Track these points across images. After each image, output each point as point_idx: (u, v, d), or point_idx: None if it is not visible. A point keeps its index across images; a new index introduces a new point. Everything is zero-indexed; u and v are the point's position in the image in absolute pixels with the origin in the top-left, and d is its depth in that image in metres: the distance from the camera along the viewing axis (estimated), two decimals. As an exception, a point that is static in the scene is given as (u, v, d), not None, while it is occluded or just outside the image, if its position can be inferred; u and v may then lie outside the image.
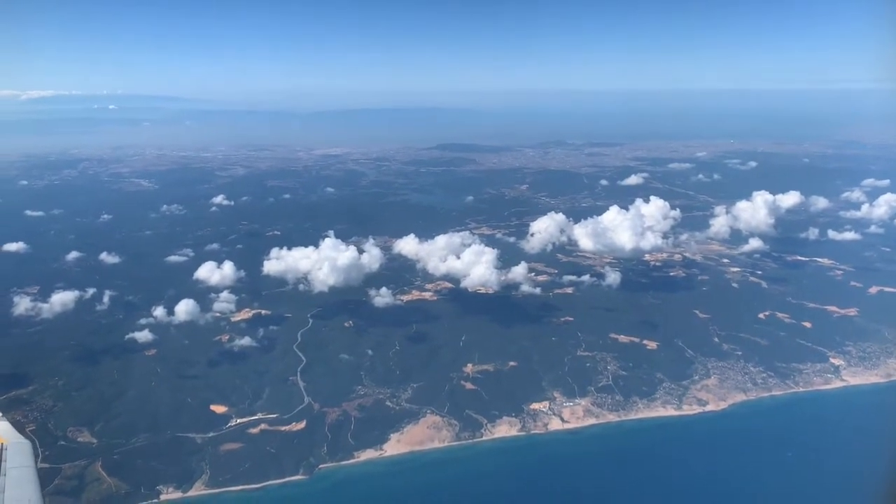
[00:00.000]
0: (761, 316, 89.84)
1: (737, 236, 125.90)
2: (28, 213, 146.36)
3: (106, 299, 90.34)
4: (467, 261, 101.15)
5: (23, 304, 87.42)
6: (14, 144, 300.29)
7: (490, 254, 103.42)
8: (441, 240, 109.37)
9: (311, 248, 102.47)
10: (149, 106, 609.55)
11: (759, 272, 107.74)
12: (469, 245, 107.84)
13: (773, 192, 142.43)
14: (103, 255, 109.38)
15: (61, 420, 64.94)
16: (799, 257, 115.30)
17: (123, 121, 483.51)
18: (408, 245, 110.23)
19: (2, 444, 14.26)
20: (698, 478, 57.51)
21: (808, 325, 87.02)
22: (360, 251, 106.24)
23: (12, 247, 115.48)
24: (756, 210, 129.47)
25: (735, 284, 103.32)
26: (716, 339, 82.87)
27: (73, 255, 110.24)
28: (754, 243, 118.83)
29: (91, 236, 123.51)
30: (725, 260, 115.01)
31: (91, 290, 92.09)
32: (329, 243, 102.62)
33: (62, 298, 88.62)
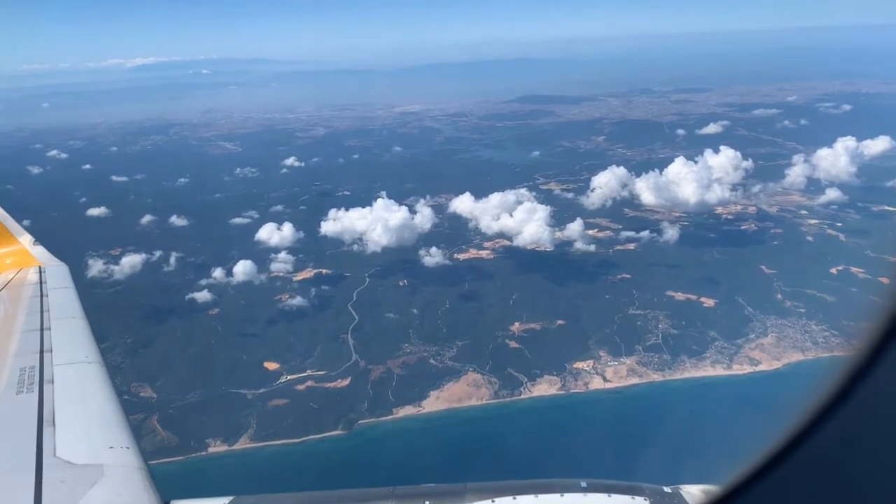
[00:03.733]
0: (833, 271, 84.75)
1: (816, 186, 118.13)
2: (114, 178, 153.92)
3: (172, 261, 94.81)
4: (519, 219, 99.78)
5: (96, 267, 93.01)
6: (115, 111, 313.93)
7: (543, 211, 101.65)
8: (495, 197, 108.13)
9: (367, 209, 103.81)
10: (239, 69, 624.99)
11: (839, 224, 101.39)
12: (522, 203, 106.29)
13: (865, 137, 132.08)
14: (173, 218, 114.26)
15: (127, 376, 68.96)
16: (886, 207, 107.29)
17: (215, 85, 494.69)
18: (463, 203, 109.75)
19: (40, 266, 15.06)
20: (723, 437, 55.58)
21: (885, 280, 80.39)
22: (415, 211, 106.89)
23: (95, 211, 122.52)
24: (837, 158, 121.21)
25: (810, 238, 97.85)
26: (779, 296, 78.96)
27: (146, 218, 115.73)
28: (832, 193, 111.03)
29: (166, 199, 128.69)
30: (803, 212, 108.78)
31: (158, 253, 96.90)
32: (381, 204, 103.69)
33: (132, 261, 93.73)
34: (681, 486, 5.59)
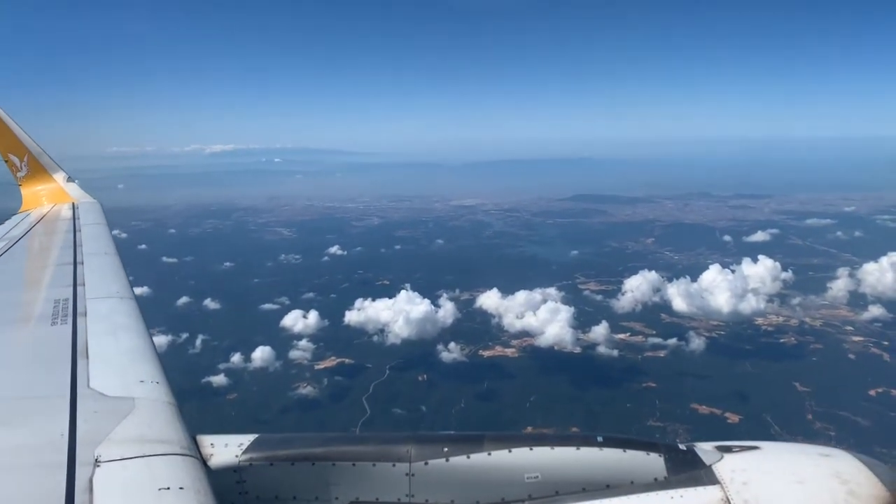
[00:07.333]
0: (872, 393, 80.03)
1: (861, 301, 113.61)
2: (164, 259, 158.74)
3: (198, 343, 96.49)
4: (545, 318, 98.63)
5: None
6: (185, 194, 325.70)
7: (568, 312, 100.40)
8: (522, 295, 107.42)
9: (391, 300, 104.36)
10: (309, 159, 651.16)
11: (885, 343, 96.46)
12: (546, 301, 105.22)
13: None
14: (207, 301, 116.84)
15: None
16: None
17: (285, 173, 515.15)
18: (490, 299, 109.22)
19: (73, 202, 15.59)
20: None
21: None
22: (438, 305, 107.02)
23: (136, 290, 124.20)
24: (883, 273, 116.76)
25: (851, 356, 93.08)
26: (809, 416, 74.75)
27: (182, 299, 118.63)
28: (876, 310, 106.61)
29: (207, 282, 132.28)
30: (848, 327, 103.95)
31: (185, 335, 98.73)
32: (405, 296, 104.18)
33: (158, 341, 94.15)
34: (695, 444, 5.84)
